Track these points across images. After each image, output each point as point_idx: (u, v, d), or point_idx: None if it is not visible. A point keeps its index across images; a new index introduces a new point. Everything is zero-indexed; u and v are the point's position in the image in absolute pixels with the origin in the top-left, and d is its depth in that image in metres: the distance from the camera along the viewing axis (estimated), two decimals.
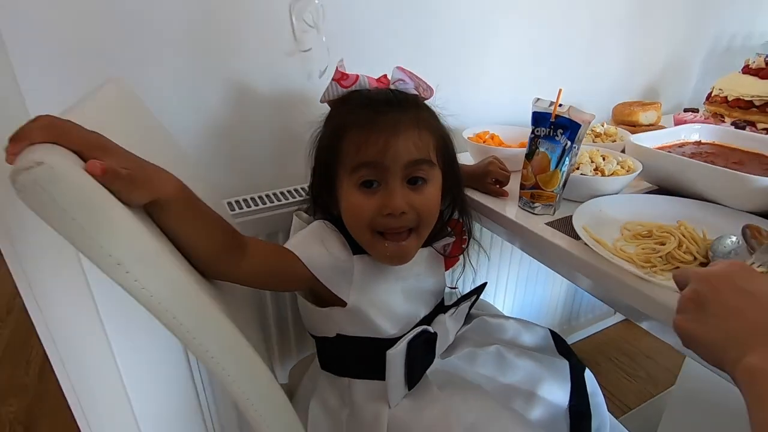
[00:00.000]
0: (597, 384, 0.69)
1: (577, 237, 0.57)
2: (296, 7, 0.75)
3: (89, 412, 0.76)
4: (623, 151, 0.77)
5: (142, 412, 0.82)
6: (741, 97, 1.00)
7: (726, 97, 1.03)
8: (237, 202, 0.80)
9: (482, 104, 1.03)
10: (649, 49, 1.24)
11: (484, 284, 0.73)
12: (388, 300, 0.58)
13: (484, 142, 0.87)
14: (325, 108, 0.61)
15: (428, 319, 0.63)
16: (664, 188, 0.72)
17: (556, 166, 0.63)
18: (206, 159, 0.77)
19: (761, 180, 0.58)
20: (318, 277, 0.53)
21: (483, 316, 0.71)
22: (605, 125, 0.88)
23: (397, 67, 0.56)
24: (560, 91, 0.62)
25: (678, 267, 0.51)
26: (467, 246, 0.69)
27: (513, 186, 0.72)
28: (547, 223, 0.63)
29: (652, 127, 0.93)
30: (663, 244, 0.53)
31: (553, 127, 0.62)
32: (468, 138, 0.86)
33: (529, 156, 0.67)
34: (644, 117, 0.94)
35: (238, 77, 0.74)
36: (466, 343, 0.65)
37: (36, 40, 0.59)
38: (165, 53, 0.67)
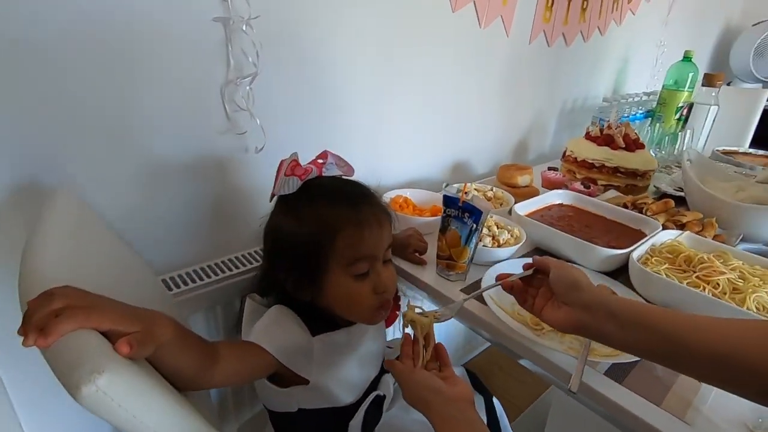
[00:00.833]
0: (502, 408, 0.85)
1: (485, 302, 0.73)
2: (227, 91, 0.80)
3: None
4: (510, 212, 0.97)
5: None
6: (586, 159, 1.29)
7: (576, 158, 1.32)
8: (172, 278, 0.81)
9: (390, 169, 1.17)
10: (518, 112, 1.51)
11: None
12: (347, 371, 0.66)
13: (399, 206, 1.00)
14: (262, 182, 0.68)
15: (377, 380, 0.73)
16: (544, 249, 0.92)
17: (465, 243, 0.78)
18: (138, 238, 0.77)
19: (603, 251, 0.79)
20: (285, 364, 0.59)
21: None
22: (494, 190, 1.07)
23: (326, 151, 0.66)
24: (466, 184, 0.77)
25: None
26: (400, 304, 0.81)
27: (429, 252, 0.87)
28: (462, 289, 0.78)
29: (527, 188, 1.15)
30: None
31: (461, 210, 0.78)
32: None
33: (443, 231, 0.81)
34: (521, 180, 1.16)
35: (164, 153, 0.76)
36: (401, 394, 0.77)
37: None
38: (85, 139, 0.67)
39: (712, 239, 0.89)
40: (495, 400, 0.84)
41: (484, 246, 0.84)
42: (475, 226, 0.76)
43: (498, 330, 0.68)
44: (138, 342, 0.37)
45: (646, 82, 2.15)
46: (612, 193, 1.17)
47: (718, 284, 0.70)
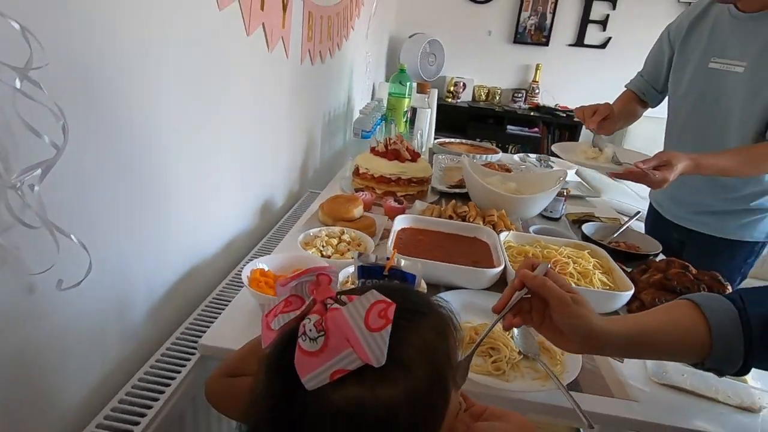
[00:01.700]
0: None
1: None
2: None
3: None
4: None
5: None
6: (383, 175, 1.35)
7: (373, 175, 1.36)
8: None
9: (212, 236, 0.92)
10: (299, 134, 1.43)
11: None
12: None
13: (259, 284, 0.80)
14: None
15: None
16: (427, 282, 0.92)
17: None
18: None
19: (491, 271, 0.86)
20: None
21: None
22: (346, 232, 0.99)
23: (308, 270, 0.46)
24: (395, 251, 0.68)
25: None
26: None
27: None
28: None
29: (362, 219, 1.12)
30: (494, 348, 0.72)
31: (388, 278, 0.68)
32: (248, 285, 0.77)
33: None
34: (357, 212, 1.11)
35: None
36: None
37: None
38: None
39: (512, 229, 1.11)
40: None
41: None
42: None
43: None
44: None
45: (367, 90, 2.42)
46: (422, 205, 1.28)
47: (572, 274, 0.88)
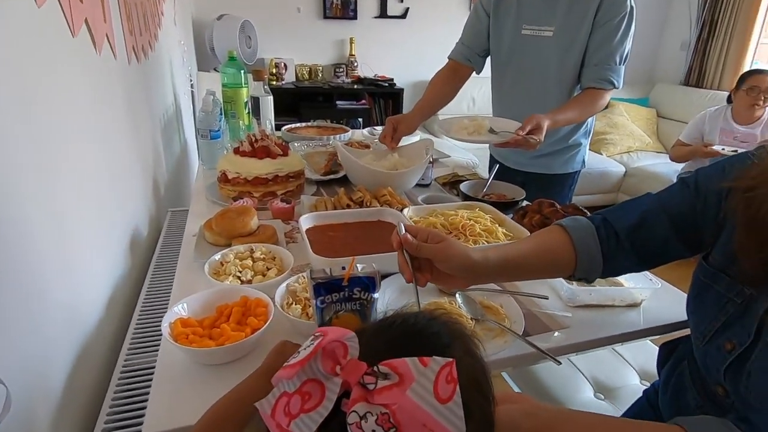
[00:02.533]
0: None
1: None
2: None
3: None
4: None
5: None
6: (258, 176, 1.24)
7: (246, 178, 1.24)
8: None
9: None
10: (145, 143, 1.20)
11: None
12: None
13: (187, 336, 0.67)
14: None
15: None
16: None
17: (366, 320, 0.67)
18: None
19: None
20: None
21: None
22: (254, 254, 0.88)
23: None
24: (353, 259, 0.64)
25: None
26: None
27: None
28: None
29: (262, 229, 1.01)
30: None
31: (348, 290, 0.64)
32: (175, 342, 0.64)
33: (327, 324, 0.65)
34: (254, 223, 1.00)
35: None
36: None
37: None
38: None
39: (405, 204, 1.16)
40: None
41: (300, 320, 0.73)
42: (371, 294, 0.66)
43: None
44: None
45: (186, 83, 2.14)
46: (309, 200, 1.22)
47: (480, 233, 0.97)
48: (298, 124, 2.08)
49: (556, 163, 1.57)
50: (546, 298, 0.85)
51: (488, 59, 1.57)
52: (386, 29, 3.55)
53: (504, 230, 1.01)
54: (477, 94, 3.63)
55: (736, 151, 2.43)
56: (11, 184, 0.52)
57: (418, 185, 1.43)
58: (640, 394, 0.91)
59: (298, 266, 0.92)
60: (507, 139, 1.21)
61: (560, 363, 0.69)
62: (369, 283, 0.66)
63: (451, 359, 0.33)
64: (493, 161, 1.76)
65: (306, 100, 3.34)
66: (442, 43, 3.56)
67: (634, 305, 0.87)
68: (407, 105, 3.57)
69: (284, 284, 0.78)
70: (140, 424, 0.60)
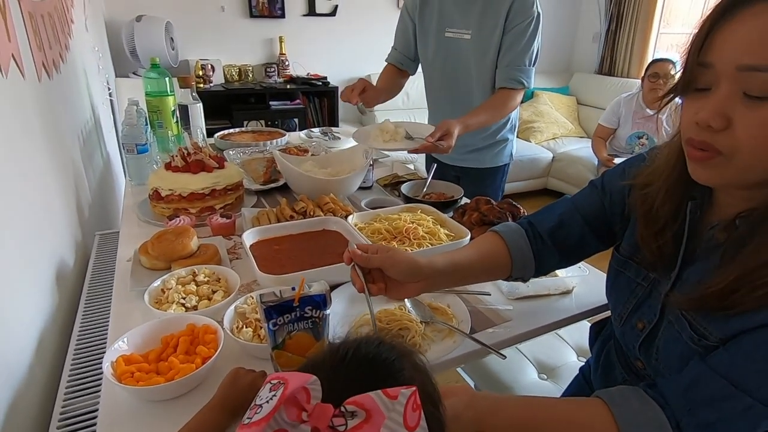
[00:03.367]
0: None
1: None
2: None
3: None
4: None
5: None
6: (194, 192, 1.20)
7: (181, 194, 1.19)
8: None
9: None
10: (73, 173, 1.12)
11: None
12: None
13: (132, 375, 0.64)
14: None
15: None
16: None
17: (321, 336, 0.67)
18: None
19: None
20: None
21: None
22: (197, 278, 0.85)
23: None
24: (303, 279, 0.64)
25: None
26: None
27: None
28: None
29: (204, 249, 0.97)
30: (404, 328, 0.77)
31: (299, 309, 0.65)
32: (119, 383, 0.61)
33: (281, 346, 0.65)
34: (194, 243, 0.96)
35: None
36: None
37: None
38: None
39: (348, 210, 1.17)
40: None
41: (252, 343, 0.72)
42: (323, 312, 0.67)
43: None
44: None
45: (103, 92, 1.99)
46: (251, 212, 1.19)
47: (424, 236, 1.00)
48: (231, 130, 2.01)
49: (487, 158, 1.65)
50: (488, 294, 0.90)
51: None
52: (316, 27, 3.50)
53: (446, 231, 1.05)
54: (411, 89, 3.68)
55: None
56: None
57: (360, 188, 1.44)
58: (578, 371, 0.99)
59: (245, 285, 0.91)
60: (418, 146, 1.26)
61: (505, 357, 0.74)
62: (320, 301, 0.66)
63: (413, 388, 0.35)
64: (429, 159, 1.81)
65: (237, 102, 3.23)
66: (373, 39, 3.62)
67: (567, 292, 0.94)
68: (342, 103, 3.56)
69: (232, 307, 0.76)
70: None
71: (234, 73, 3.31)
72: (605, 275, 0.99)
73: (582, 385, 0.95)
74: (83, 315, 0.89)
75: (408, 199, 1.28)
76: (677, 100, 0.60)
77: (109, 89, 2.19)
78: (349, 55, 3.62)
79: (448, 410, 0.47)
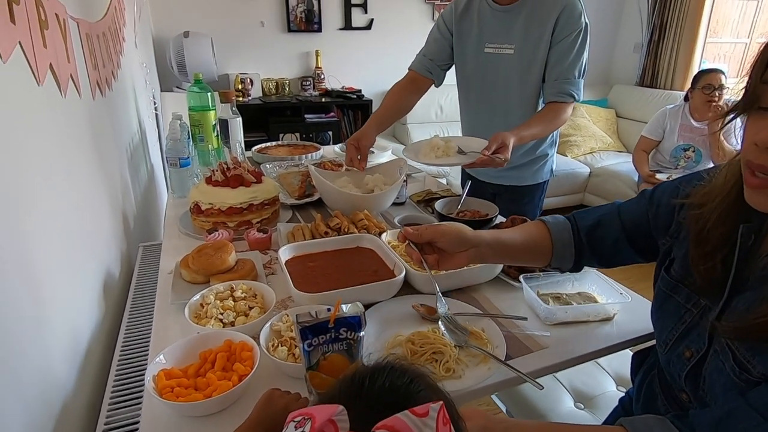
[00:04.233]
0: None
1: None
2: None
3: None
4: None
5: None
6: (233, 206, 1.23)
7: (220, 209, 1.23)
8: None
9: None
10: (120, 186, 1.17)
11: None
12: None
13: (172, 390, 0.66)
14: None
15: None
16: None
17: (354, 359, 0.67)
18: None
19: (397, 280, 0.90)
20: None
21: None
22: (234, 293, 0.87)
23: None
24: (339, 301, 0.64)
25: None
26: None
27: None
28: None
29: (241, 264, 1.00)
30: (437, 352, 0.77)
31: (335, 330, 0.65)
32: (160, 398, 0.63)
33: (315, 367, 0.65)
34: (232, 258, 0.98)
35: None
36: None
37: None
38: None
39: (381, 227, 1.17)
40: None
41: (287, 363, 0.73)
42: (357, 333, 0.67)
43: None
44: None
45: (149, 105, 2.09)
46: (286, 228, 1.21)
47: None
48: (268, 144, 2.06)
49: (526, 175, 1.62)
50: (525, 319, 0.88)
51: (449, 73, 1.61)
52: (351, 41, 3.56)
53: None
54: (444, 101, 3.69)
55: None
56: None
57: (393, 204, 1.44)
58: (617, 402, 0.95)
59: (280, 301, 0.92)
60: (474, 160, 1.23)
61: (542, 387, 0.71)
62: (355, 323, 0.67)
63: (440, 402, 0.35)
64: (465, 176, 1.80)
65: (274, 115, 3.31)
66: (408, 53, 3.59)
67: (607, 319, 0.91)
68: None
69: (268, 324, 0.78)
70: None
71: (271, 87, 3.40)
72: (649, 302, 0.96)
73: (621, 417, 0.91)
74: (127, 326, 0.93)
75: (442, 217, 1.27)
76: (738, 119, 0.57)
77: (154, 103, 2.29)
78: (383, 68, 3.66)
79: None
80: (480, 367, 0.76)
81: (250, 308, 0.84)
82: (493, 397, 1.19)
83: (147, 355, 0.82)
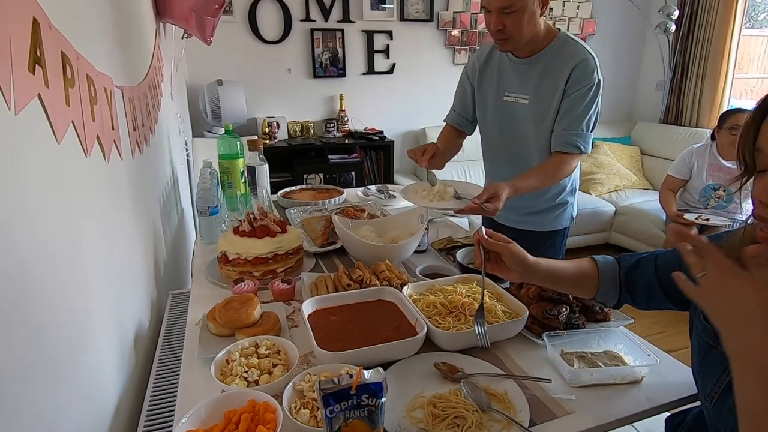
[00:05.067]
0: None
1: None
2: None
3: None
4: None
5: None
6: (258, 256, 1.27)
7: (246, 258, 1.27)
8: None
9: None
10: (153, 235, 1.23)
11: None
12: None
13: None
14: None
15: None
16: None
17: (375, 425, 0.67)
18: None
19: (419, 338, 0.91)
20: None
21: None
22: (259, 349, 0.89)
23: None
24: (361, 369, 0.65)
25: None
26: None
27: None
28: None
29: (266, 318, 1.02)
30: (459, 417, 0.76)
31: (357, 396, 0.66)
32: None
33: None
34: (257, 312, 1.01)
35: None
36: None
37: None
38: None
39: (403, 279, 1.19)
40: None
41: (309, 427, 0.73)
42: (380, 400, 0.67)
43: None
44: None
45: (181, 152, 2.19)
46: (309, 278, 1.24)
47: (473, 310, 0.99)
48: (292, 188, 2.13)
49: (545, 221, 1.62)
50: (549, 381, 0.86)
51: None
52: (374, 84, 3.68)
53: (503, 307, 1.03)
54: (465, 142, 3.73)
55: (708, 219, 2.57)
56: (34, 296, 0.54)
57: (415, 252, 1.45)
58: None
59: (303, 357, 0.93)
60: (465, 207, 1.26)
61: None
62: (377, 389, 0.67)
63: None
64: (487, 221, 1.80)
65: (299, 156, 3.41)
66: (428, 95, 3.74)
67: (636, 382, 0.88)
68: (398, 156, 3.67)
69: (290, 385, 0.79)
70: None
71: (297, 129, 3.52)
72: (678, 363, 0.94)
73: None
74: (155, 379, 0.95)
75: (463, 268, 1.27)
76: None
77: (186, 150, 2.40)
78: (405, 110, 3.76)
79: None
80: None
81: (274, 365, 0.86)
82: None
83: (174, 408, 0.84)
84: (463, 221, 2.90)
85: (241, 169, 1.89)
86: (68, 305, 0.66)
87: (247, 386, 0.81)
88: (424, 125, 3.71)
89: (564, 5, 3.92)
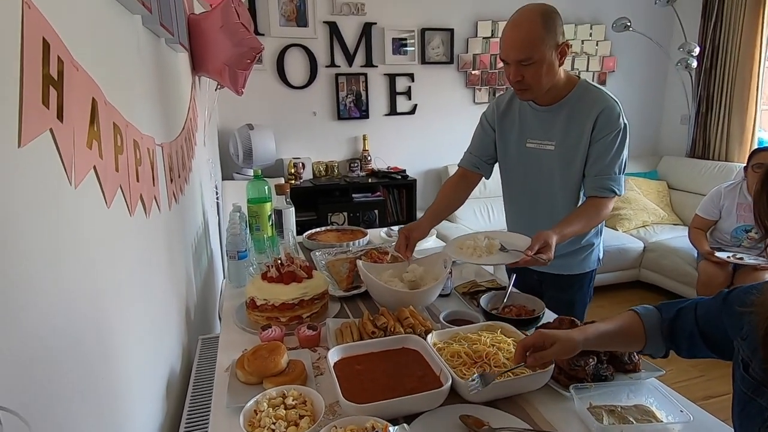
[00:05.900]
0: None
1: None
2: None
3: None
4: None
5: None
6: (285, 302, 1.30)
7: (273, 304, 1.30)
8: None
9: None
10: (185, 282, 1.28)
11: None
12: None
13: None
14: None
15: None
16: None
17: None
18: None
19: (443, 390, 0.91)
20: None
21: None
22: (286, 400, 0.91)
23: None
24: (387, 426, 0.66)
25: None
26: None
27: None
28: None
29: (293, 365, 1.04)
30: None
31: None
32: None
33: None
34: (284, 360, 1.03)
35: None
36: None
37: None
38: None
39: (427, 326, 1.19)
40: None
41: None
42: None
43: None
44: None
45: (212, 195, 2.28)
46: (335, 323, 1.26)
47: (505, 364, 0.98)
48: (317, 229, 2.17)
49: (572, 264, 1.61)
50: None
51: (496, 165, 1.69)
52: (397, 125, 3.78)
53: None
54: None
55: (741, 258, 2.50)
56: (84, 348, 0.57)
57: (438, 296, 1.46)
58: None
59: (329, 407, 0.94)
60: (517, 259, 1.26)
61: None
62: None
63: None
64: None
65: (323, 195, 3.49)
66: (450, 133, 3.81)
67: None
68: (420, 194, 3.71)
69: None
70: None
71: (321, 169, 3.62)
72: (712, 418, 0.90)
73: None
74: (186, 427, 0.97)
75: (487, 315, 1.27)
76: None
77: (217, 193, 2.50)
78: (426, 149, 3.83)
79: None
80: None
81: (301, 417, 0.87)
82: None
83: None
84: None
85: (269, 213, 1.96)
86: (113, 353, 0.70)
87: None
88: (446, 163, 3.76)
89: (583, 44, 3.99)
